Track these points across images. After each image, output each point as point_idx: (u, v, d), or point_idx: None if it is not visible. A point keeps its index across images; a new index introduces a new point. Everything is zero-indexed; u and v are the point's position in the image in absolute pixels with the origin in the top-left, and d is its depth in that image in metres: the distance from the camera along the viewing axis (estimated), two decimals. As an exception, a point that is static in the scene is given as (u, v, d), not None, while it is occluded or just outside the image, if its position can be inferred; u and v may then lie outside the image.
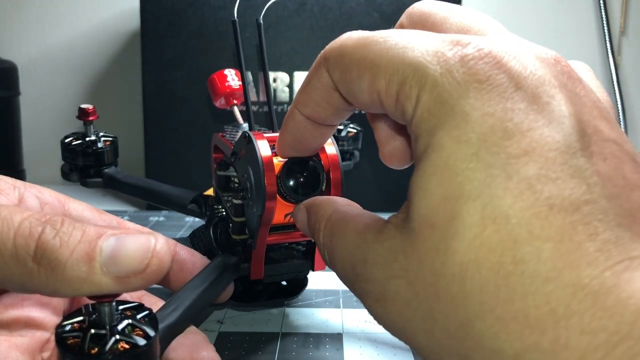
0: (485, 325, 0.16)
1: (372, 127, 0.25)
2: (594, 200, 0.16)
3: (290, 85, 0.65)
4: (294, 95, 0.69)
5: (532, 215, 0.16)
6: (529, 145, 0.17)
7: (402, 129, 0.24)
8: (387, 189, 0.67)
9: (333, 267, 0.23)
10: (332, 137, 0.30)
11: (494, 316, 0.16)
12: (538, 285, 0.16)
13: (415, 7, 0.24)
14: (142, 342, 0.22)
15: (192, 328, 0.30)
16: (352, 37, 0.21)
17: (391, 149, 0.25)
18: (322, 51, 0.22)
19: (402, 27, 0.24)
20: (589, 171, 0.17)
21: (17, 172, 0.72)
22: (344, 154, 0.50)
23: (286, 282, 0.41)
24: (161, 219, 0.63)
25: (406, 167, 0.25)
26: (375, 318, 0.21)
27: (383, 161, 0.25)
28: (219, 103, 0.42)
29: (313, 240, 0.26)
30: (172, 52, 0.64)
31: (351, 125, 0.51)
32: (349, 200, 0.25)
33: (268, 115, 0.37)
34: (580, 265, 0.15)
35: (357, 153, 0.51)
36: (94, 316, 0.22)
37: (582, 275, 0.15)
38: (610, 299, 0.15)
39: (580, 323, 0.15)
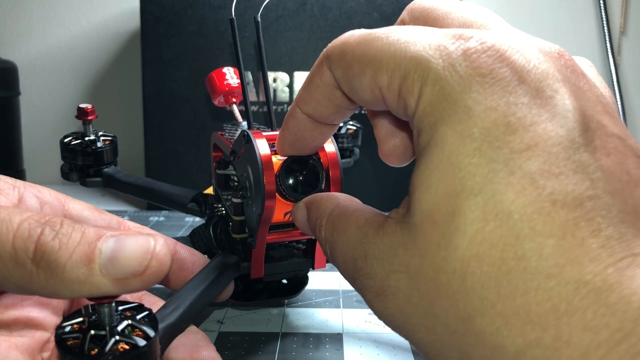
0: (487, 321, 0.16)
1: (372, 125, 0.25)
2: (597, 196, 0.16)
3: (290, 85, 0.65)
4: (294, 95, 0.69)
5: (534, 210, 0.16)
6: (532, 139, 0.17)
7: (402, 127, 0.24)
8: (387, 186, 0.67)
9: (334, 262, 0.23)
10: (331, 134, 0.30)
11: (495, 312, 0.16)
12: (540, 282, 0.15)
13: (416, 3, 0.24)
14: (141, 342, 0.22)
15: (193, 328, 0.30)
16: (354, 34, 0.21)
17: (391, 147, 0.24)
18: (325, 49, 0.22)
19: (403, 23, 0.24)
20: (592, 166, 0.17)
21: (17, 172, 0.72)
22: (344, 151, 0.50)
23: (286, 280, 0.41)
24: (161, 218, 0.63)
25: (405, 164, 0.25)
26: (375, 313, 0.20)
27: (382, 159, 0.25)
28: (218, 101, 0.42)
29: (313, 237, 0.26)
30: (172, 52, 0.64)
31: (351, 123, 0.50)
32: (350, 196, 0.25)
33: (267, 114, 0.37)
34: (582, 261, 0.15)
35: (357, 150, 0.51)
36: (94, 317, 0.22)
37: (585, 271, 0.15)
38: (613, 296, 0.15)
39: (583, 320, 0.15)
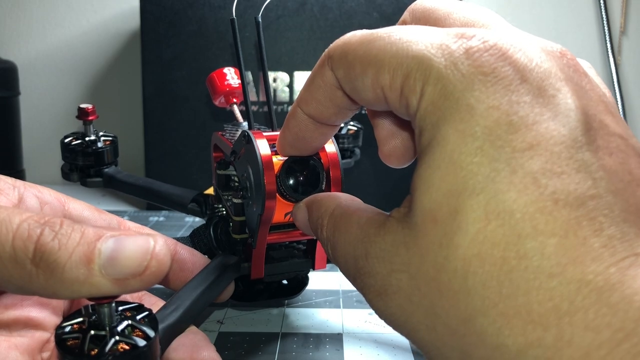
0: (488, 320, 0.16)
1: (372, 125, 0.25)
2: (599, 195, 0.16)
3: (290, 85, 0.65)
4: (294, 95, 0.69)
5: (536, 210, 0.16)
6: (534, 139, 0.17)
7: (402, 127, 0.24)
8: (387, 186, 0.67)
9: (336, 262, 0.23)
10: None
11: (496, 312, 0.16)
12: (542, 281, 0.15)
13: (417, 3, 0.24)
14: (141, 343, 0.22)
15: (193, 328, 0.30)
16: (355, 34, 0.21)
17: (391, 148, 0.24)
18: (326, 50, 0.22)
19: (404, 24, 0.24)
20: (594, 166, 0.17)
21: (17, 172, 0.72)
22: (345, 152, 0.50)
23: (287, 281, 0.41)
24: (161, 219, 0.63)
25: (405, 166, 0.25)
26: (376, 312, 0.20)
27: (382, 160, 0.25)
28: (219, 102, 0.42)
29: (314, 238, 0.26)
30: (172, 52, 0.64)
31: (352, 123, 0.50)
32: (351, 196, 0.25)
33: (268, 114, 0.37)
34: (584, 261, 0.15)
35: (357, 151, 0.51)
36: (94, 317, 0.22)
37: (587, 271, 0.15)
38: (614, 296, 0.15)
39: (585, 319, 0.15)
